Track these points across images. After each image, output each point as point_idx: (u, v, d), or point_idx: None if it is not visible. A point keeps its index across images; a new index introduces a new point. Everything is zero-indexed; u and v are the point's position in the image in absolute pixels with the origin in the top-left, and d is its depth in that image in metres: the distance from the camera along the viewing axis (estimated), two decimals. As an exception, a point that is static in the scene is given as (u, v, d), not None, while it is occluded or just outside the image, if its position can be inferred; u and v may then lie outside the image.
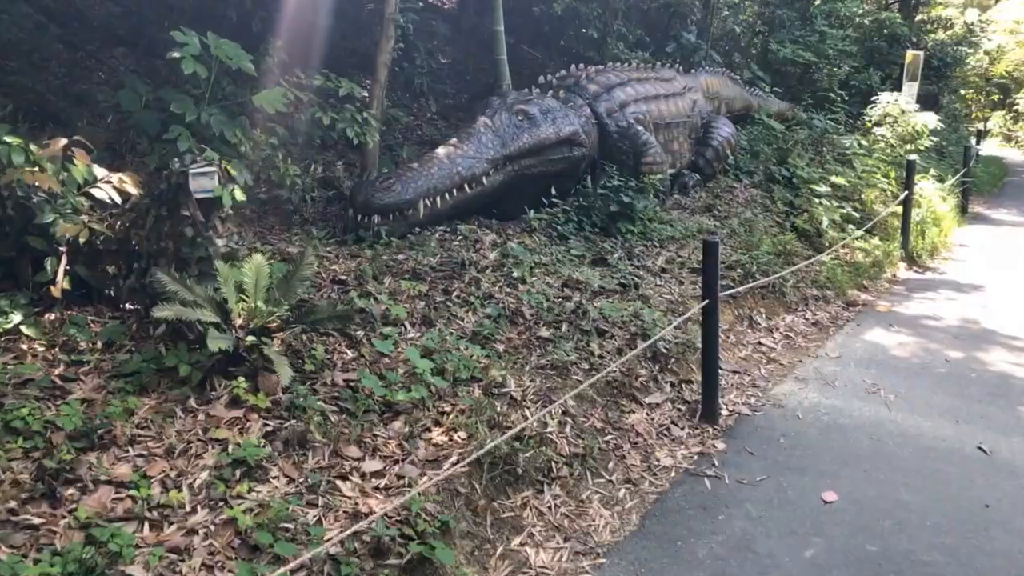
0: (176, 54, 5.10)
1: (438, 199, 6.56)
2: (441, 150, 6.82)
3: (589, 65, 9.42)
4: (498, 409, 4.38)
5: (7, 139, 4.28)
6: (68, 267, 4.49)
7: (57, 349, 4.21)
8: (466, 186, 6.74)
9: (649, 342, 5.37)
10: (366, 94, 6.68)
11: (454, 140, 6.96)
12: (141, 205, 4.47)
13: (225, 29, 10.49)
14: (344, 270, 5.74)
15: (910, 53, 14.51)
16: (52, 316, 4.46)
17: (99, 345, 4.26)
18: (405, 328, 5.06)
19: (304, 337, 4.49)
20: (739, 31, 16.28)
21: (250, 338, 4.07)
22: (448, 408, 4.30)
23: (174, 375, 4.05)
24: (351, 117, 6.51)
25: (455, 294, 5.60)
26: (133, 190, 4.57)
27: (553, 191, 7.56)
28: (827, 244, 8.95)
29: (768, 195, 9.85)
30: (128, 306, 4.57)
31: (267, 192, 6.90)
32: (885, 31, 16.04)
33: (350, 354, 4.62)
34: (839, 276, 8.24)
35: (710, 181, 9.78)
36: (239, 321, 4.20)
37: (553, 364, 5.01)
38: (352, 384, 4.31)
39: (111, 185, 4.56)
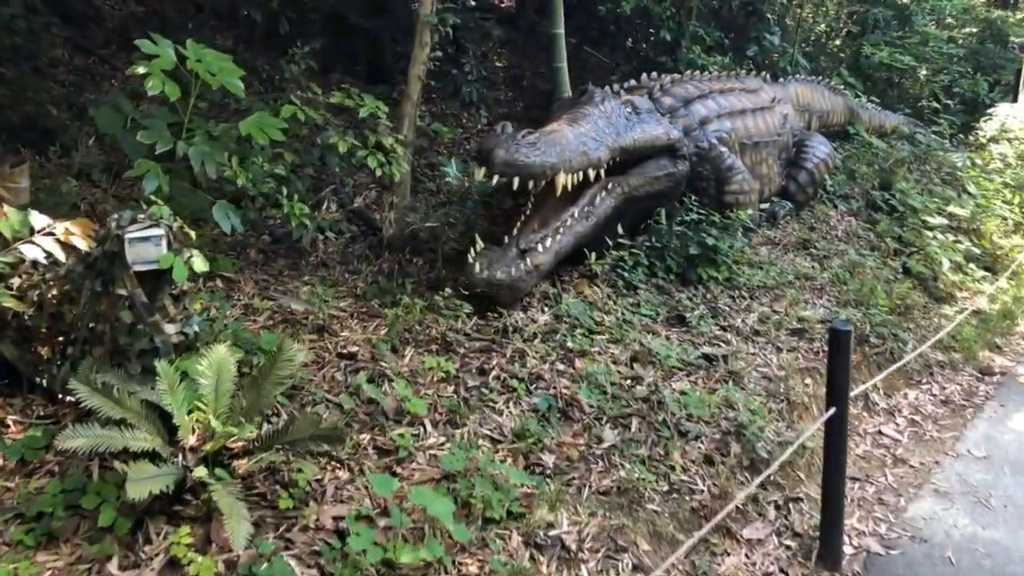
0: (141, 69, 3.98)
1: (576, 177, 5.32)
2: (557, 125, 5.56)
3: (663, 73, 8.10)
4: (545, 570, 3.15)
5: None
6: (-9, 347, 3.42)
7: (-46, 469, 3.13)
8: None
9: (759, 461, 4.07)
10: (385, 116, 5.49)
11: (564, 118, 5.71)
12: (75, 273, 3.36)
13: (250, 33, 9.55)
14: (357, 337, 4.57)
15: (1029, 58, 12.77)
16: (-38, 415, 3.39)
17: (9, 465, 3.17)
18: (424, 429, 3.87)
19: (282, 456, 3.31)
20: (827, 31, 14.72)
21: (200, 470, 2.91)
22: (475, 570, 3.08)
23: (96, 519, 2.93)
24: (375, 143, 5.33)
25: (493, 374, 4.38)
26: (82, 244, 3.45)
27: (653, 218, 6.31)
28: (946, 290, 7.47)
29: (870, 226, 8.39)
30: (65, 399, 3.48)
31: (275, 229, 5.79)
32: (994, 32, 14.27)
33: (344, 476, 3.44)
34: (966, 333, 6.78)
35: (802, 209, 8.36)
36: (191, 441, 3.05)
37: (620, 486, 3.75)
38: (342, 530, 3.12)
39: (53, 238, 3.46)
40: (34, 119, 6.51)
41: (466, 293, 5.03)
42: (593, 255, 5.86)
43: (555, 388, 4.33)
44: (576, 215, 5.54)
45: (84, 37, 8.51)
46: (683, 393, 4.56)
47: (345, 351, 4.40)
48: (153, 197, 3.43)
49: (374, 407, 3.92)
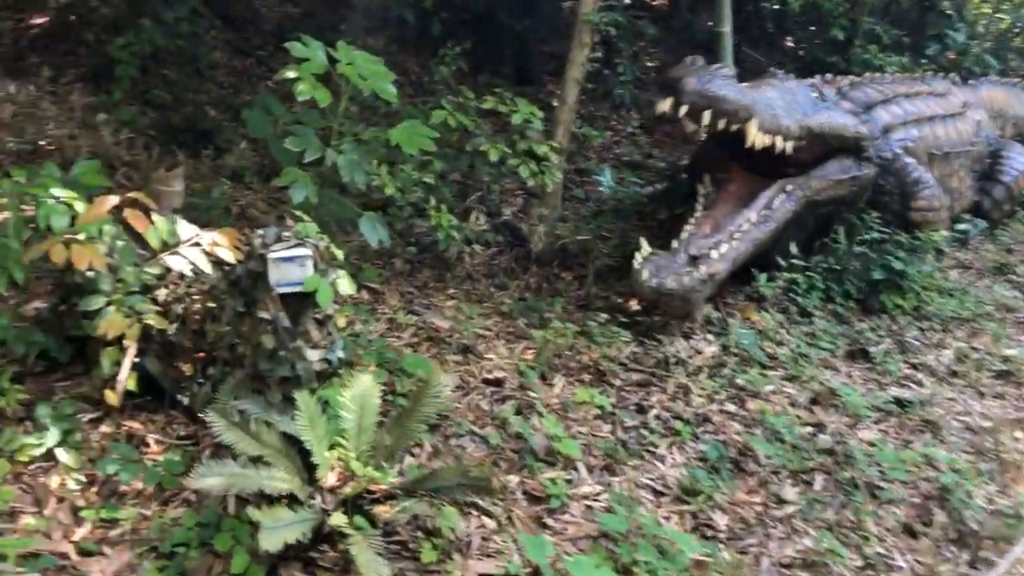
0: (291, 73, 3.77)
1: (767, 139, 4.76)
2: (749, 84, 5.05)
3: (836, 75, 7.36)
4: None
5: (53, 193, 3.11)
6: (137, 359, 3.28)
7: (93, 490, 2.99)
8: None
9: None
10: (539, 119, 5.11)
11: (745, 86, 5.10)
12: (218, 289, 3.16)
13: (401, 33, 9.45)
14: (503, 361, 4.23)
15: None
16: (104, 430, 3.27)
17: (147, 490, 3.00)
18: (577, 473, 3.47)
19: (426, 505, 2.99)
20: (1011, 26, 13.27)
21: (338, 517, 2.63)
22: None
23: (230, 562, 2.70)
24: (527, 151, 4.98)
25: (653, 413, 3.93)
26: (228, 256, 3.27)
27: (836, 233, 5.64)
28: None
29: (1078, 248, 7.33)
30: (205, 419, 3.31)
31: (421, 239, 5.55)
32: None
33: (491, 525, 3.09)
34: None
35: (996, 228, 7.41)
36: (330, 481, 2.78)
37: (805, 558, 3.22)
38: (489, 592, 2.77)
39: (199, 249, 3.30)
40: (192, 120, 6.58)
41: (621, 318, 4.60)
42: (763, 276, 5.28)
43: (724, 433, 3.84)
44: (753, 219, 4.97)
45: (242, 39, 8.64)
46: (872, 445, 3.96)
47: (491, 376, 4.07)
48: (300, 212, 3.20)
49: (522, 444, 3.56)
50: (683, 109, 4.41)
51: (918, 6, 11.64)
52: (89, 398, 3.43)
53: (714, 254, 4.70)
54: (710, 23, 12.43)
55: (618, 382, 4.15)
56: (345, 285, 3.01)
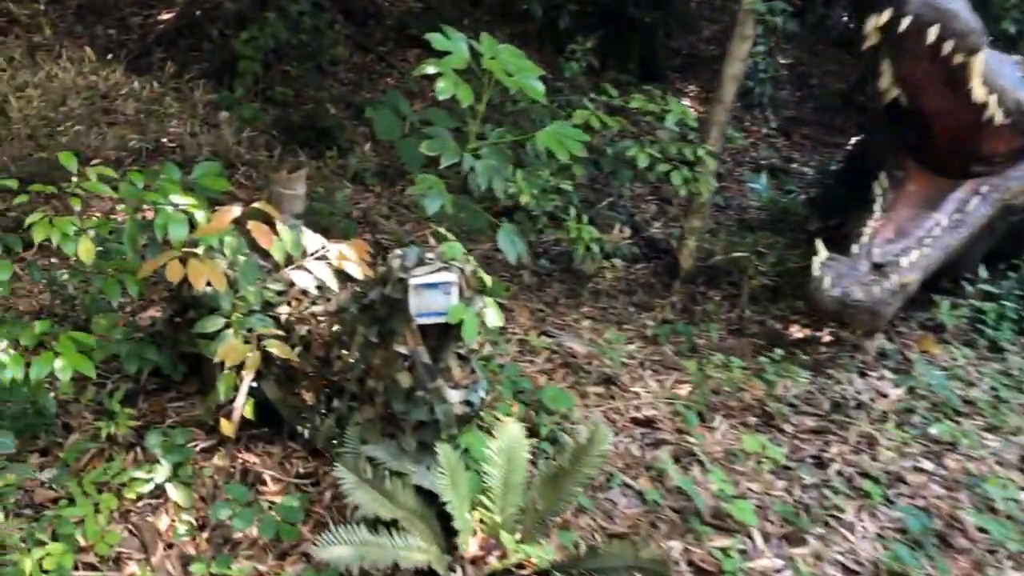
0: (430, 68, 3.36)
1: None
2: None
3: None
4: None
5: (172, 200, 2.80)
6: (254, 383, 2.94)
7: (204, 535, 2.66)
8: None
9: None
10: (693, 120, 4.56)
11: None
12: (347, 313, 2.78)
13: (526, 28, 9.02)
14: (652, 396, 3.73)
15: None
16: (217, 463, 2.94)
17: (262, 540, 2.64)
18: (751, 542, 2.92)
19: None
20: None
21: (482, 598, 2.19)
22: None
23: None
24: (677, 155, 4.45)
25: (834, 467, 3.34)
26: (356, 271, 2.89)
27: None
28: None
29: None
30: (326, 455, 2.94)
31: (550, 249, 5.10)
32: None
33: (659, 608, 2.59)
34: None
35: None
36: (471, 549, 2.34)
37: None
38: None
39: (325, 263, 2.93)
40: (313, 118, 6.34)
41: (780, 350, 4.02)
42: (945, 302, 4.58)
43: (923, 497, 3.22)
44: (944, 223, 4.30)
45: (363, 34, 8.38)
46: (1105, 520, 3.25)
47: (640, 415, 3.57)
48: (443, 230, 2.79)
49: (684, 502, 3.05)
50: (905, 22, 3.70)
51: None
52: (202, 424, 3.13)
53: (904, 262, 4.06)
54: (845, 17, 11.56)
55: (790, 428, 3.58)
56: (493, 316, 2.57)
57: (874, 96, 7.61)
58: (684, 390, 3.76)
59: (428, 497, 2.42)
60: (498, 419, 2.66)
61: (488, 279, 2.60)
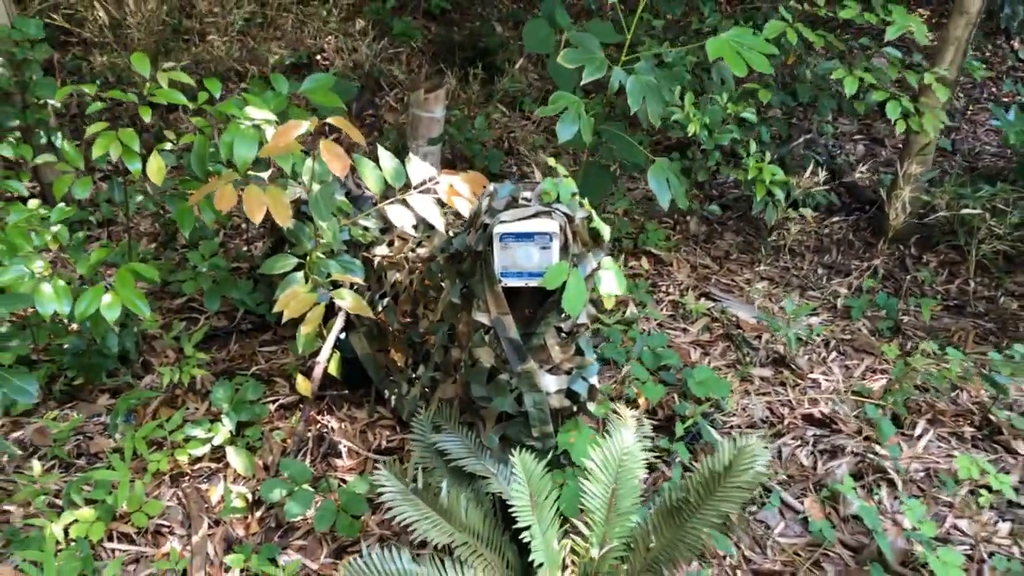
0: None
1: None
2: None
3: None
4: None
5: (249, 114, 2.35)
6: (342, 336, 2.50)
7: (257, 515, 2.26)
8: None
9: None
10: (926, 36, 3.53)
11: None
12: (436, 264, 2.23)
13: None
14: (834, 385, 2.93)
15: None
16: (292, 427, 2.54)
17: (318, 530, 2.20)
18: (958, 609, 2.14)
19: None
20: None
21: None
22: None
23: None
24: (897, 80, 3.49)
25: (1088, 511, 2.44)
26: (466, 209, 2.34)
27: None
28: None
29: None
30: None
31: (727, 192, 4.30)
32: None
33: None
34: None
35: None
36: (557, 584, 1.77)
37: None
38: None
39: (432, 197, 2.39)
40: (476, 36, 5.80)
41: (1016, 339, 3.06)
42: None
43: None
44: None
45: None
46: None
47: (817, 412, 2.80)
48: (556, 163, 2.15)
49: (863, 538, 2.30)
50: None
51: None
52: (291, 375, 2.74)
53: None
54: None
55: (1019, 445, 2.68)
56: (611, 281, 1.91)
57: None
58: (879, 383, 2.94)
59: (503, 507, 1.86)
60: (616, 413, 2.03)
61: (606, 230, 1.94)
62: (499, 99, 5.21)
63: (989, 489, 2.48)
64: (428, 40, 5.62)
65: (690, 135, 3.42)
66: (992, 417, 2.77)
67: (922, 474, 2.56)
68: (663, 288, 3.57)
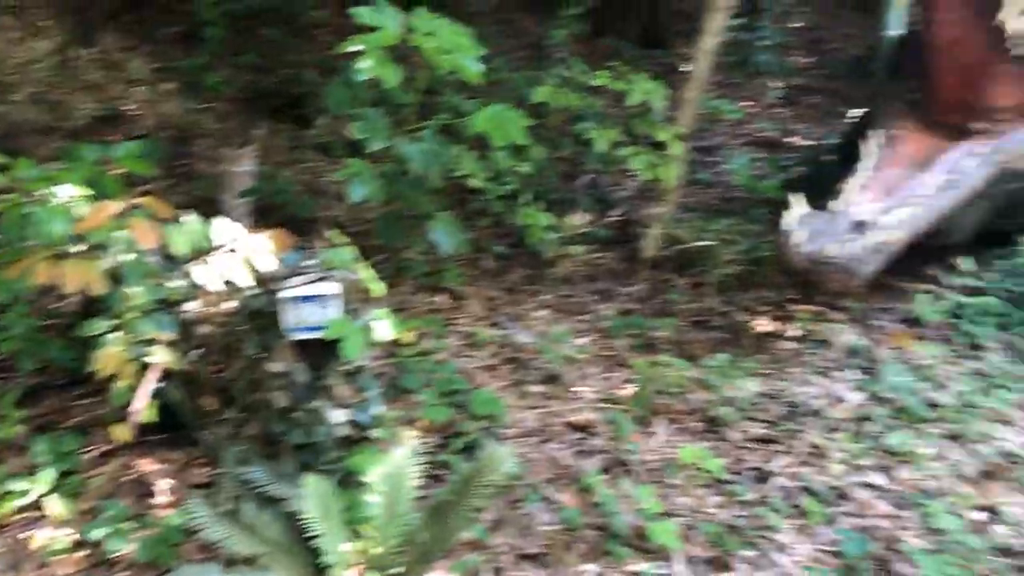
0: (354, 46, 3.14)
1: None
2: None
3: None
4: None
5: (58, 191, 2.62)
6: (161, 384, 2.79)
7: (82, 554, 2.53)
8: None
9: None
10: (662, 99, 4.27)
11: None
12: (238, 319, 2.61)
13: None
14: (595, 395, 3.54)
15: None
16: (110, 470, 2.81)
17: (141, 560, 2.50)
18: (671, 568, 2.75)
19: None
20: None
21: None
22: None
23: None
24: (645, 137, 4.20)
25: (777, 482, 3.15)
26: (271, 265, 2.70)
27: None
28: None
29: None
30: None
31: (516, 231, 4.88)
32: None
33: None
34: None
35: None
36: (347, 582, 2.19)
37: None
38: None
39: (239, 256, 2.74)
40: (287, 85, 6.12)
41: (740, 346, 3.80)
42: (924, 296, 4.34)
43: (867, 517, 3.02)
44: (936, 183, 4.04)
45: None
46: (1066, 543, 3.04)
47: (579, 419, 3.38)
48: (332, 233, 2.58)
49: (607, 520, 2.87)
50: None
51: None
52: (106, 423, 2.99)
53: (886, 220, 3.83)
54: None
55: (736, 435, 3.38)
56: (385, 329, 2.38)
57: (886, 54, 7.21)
58: (629, 391, 3.57)
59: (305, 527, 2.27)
60: (400, 435, 2.49)
61: (380, 287, 2.40)
62: (311, 145, 5.56)
63: (706, 472, 3.13)
64: (239, 88, 5.89)
65: (473, 187, 3.97)
66: (713, 413, 3.46)
67: (658, 463, 3.19)
68: (458, 320, 4.08)
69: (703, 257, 4.63)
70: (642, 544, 2.80)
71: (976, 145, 4.24)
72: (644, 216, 4.66)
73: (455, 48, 3.30)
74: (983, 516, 3.14)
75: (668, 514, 2.91)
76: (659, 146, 4.33)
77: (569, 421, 3.36)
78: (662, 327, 4.12)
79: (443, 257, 4.55)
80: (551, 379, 3.64)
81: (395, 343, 3.65)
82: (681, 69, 5.98)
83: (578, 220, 4.41)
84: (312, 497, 2.14)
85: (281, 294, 2.19)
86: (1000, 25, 3.97)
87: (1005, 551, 2.97)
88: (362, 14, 3.21)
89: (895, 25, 6.35)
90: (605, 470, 3.10)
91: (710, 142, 6.97)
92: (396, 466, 2.30)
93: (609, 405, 3.46)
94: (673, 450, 3.24)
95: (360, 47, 3.16)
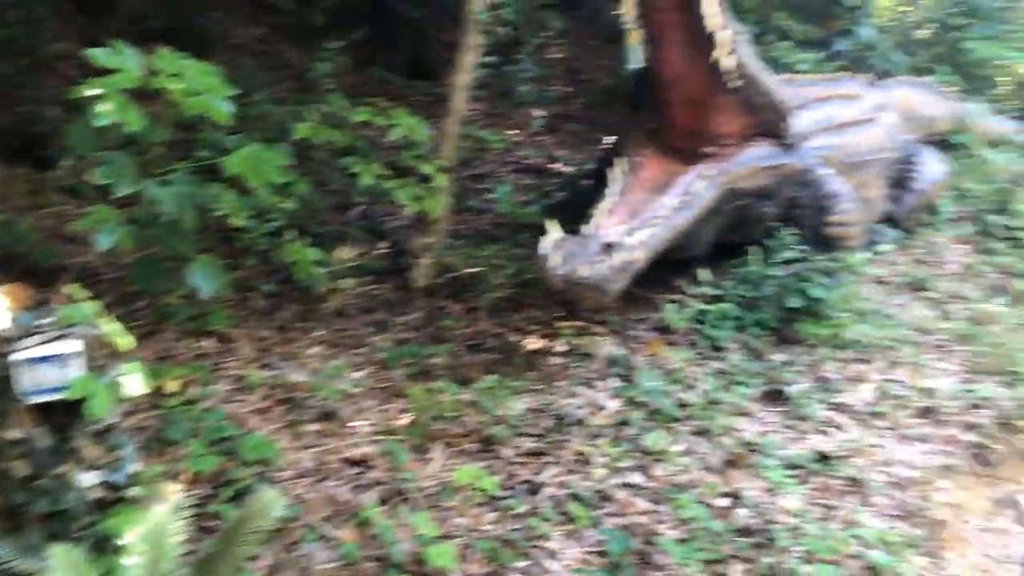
0: (92, 90, 3.00)
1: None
2: None
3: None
4: None
5: None
6: None
7: None
8: None
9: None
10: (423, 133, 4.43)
11: None
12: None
13: (280, 23, 8.58)
14: (372, 428, 3.58)
15: None
16: None
17: None
18: (451, 586, 2.86)
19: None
20: (921, 23, 13.28)
21: None
22: None
23: None
24: (410, 170, 4.32)
25: (547, 492, 3.35)
26: (5, 322, 2.49)
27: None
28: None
29: (988, 258, 7.07)
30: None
31: (284, 268, 4.82)
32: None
33: None
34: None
35: (908, 236, 7.10)
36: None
37: None
38: None
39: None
40: (24, 123, 5.65)
41: (511, 366, 4.01)
42: (671, 305, 4.79)
43: (629, 515, 3.29)
44: (672, 204, 4.50)
45: (97, 26, 7.62)
46: (795, 515, 3.48)
47: (356, 453, 3.41)
48: (71, 289, 2.46)
49: (385, 551, 2.92)
50: None
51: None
52: None
53: (630, 240, 4.19)
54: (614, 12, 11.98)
55: (509, 452, 3.56)
56: (136, 384, 2.30)
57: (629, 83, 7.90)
58: (406, 421, 3.65)
59: (57, 597, 2.13)
60: (161, 491, 2.40)
61: (127, 341, 2.32)
62: (56, 188, 5.18)
63: (481, 491, 3.27)
64: (-34, 131, 5.37)
65: (236, 227, 3.89)
66: (487, 432, 3.62)
67: (436, 489, 3.28)
68: (228, 363, 3.96)
69: (475, 282, 4.82)
70: (420, 569, 2.87)
71: (706, 168, 4.77)
72: (415, 246, 4.77)
73: (204, 88, 3.25)
74: (727, 502, 3.52)
75: (445, 536, 3.01)
76: (426, 178, 4.48)
77: (346, 457, 3.38)
78: (438, 353, 4.24)
79: (209, 300, 4.42)
80: (327, 416, 3.64)
81: (158, 393, 3.50)
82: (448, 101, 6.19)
83: (348, 253, 4.45)
84: (61, 568, 2.01)
85: (13, 357, 2.06)
86: (717, 62, 4.50)
87: (745, 531, 3.35)
88: (97, 56, 3.08)
89: (635, 59, 6.97)
90: (383, 501, 3.15)
91: (480, 170, 7.25)
92: (157, 524, 2.22)
93: (386, 436, 3.51)
94: (450, 473, 3.35)
95: (99, 90, 3.02)
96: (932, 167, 7.25)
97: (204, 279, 3.32)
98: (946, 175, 7.32)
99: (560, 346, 4.48)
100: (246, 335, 4.20)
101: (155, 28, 7.45)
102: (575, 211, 5.73)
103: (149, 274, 3.66)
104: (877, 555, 3.34)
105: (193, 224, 3.27)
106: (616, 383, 4.18)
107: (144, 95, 3.39)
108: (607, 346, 4.50)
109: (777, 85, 5.30)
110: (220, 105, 3.20)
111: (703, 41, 4.37)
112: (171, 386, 3.46)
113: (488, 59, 8.42)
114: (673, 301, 5.01)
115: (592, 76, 10.48)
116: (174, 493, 2.41)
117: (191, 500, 2.52)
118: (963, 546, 3.93)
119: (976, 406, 4.66)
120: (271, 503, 2.35)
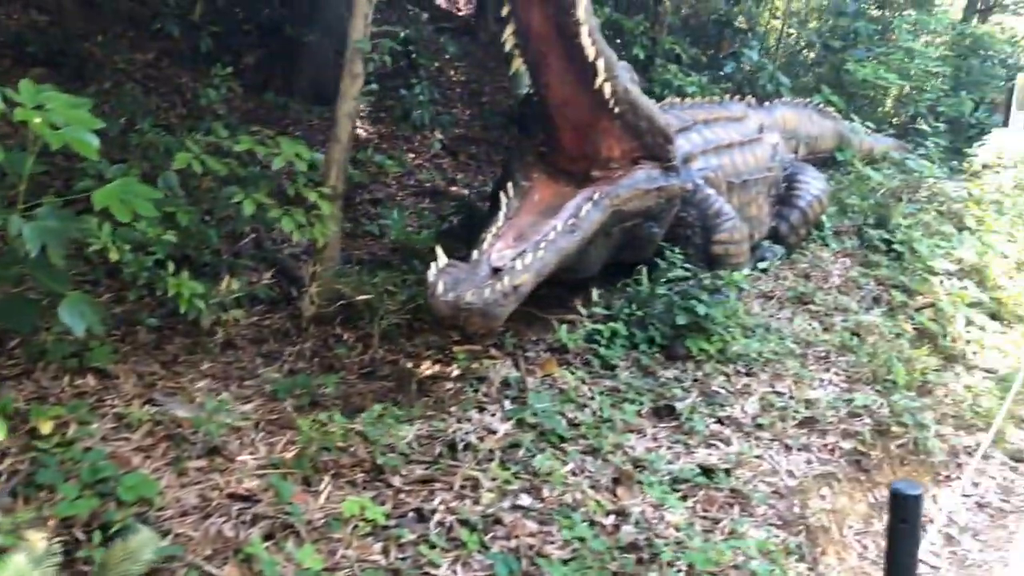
0: (-55, 124, 2.89)
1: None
2: None
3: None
4: None
5: None
6: None
7: None
8: None
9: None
10: (307, 161, 4.41)
11: None
12: None
13: (170, 48, 8.40)
14: (259, 462, 3.53)
15: (1023, 76, 12.05)
16: None
17: None
18: (338, 620, 2.84)
19: None
20: (805, 45, 13.98)
21: None
22: None
23: None
24: (296, 197, 4.30)
25: (436, 519, 3.36)
26: None
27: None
28: (957, 349, 6.60)
29: (868, 270, 7.48)
30: None
31: (169, 302, 4.72)
32: (980, 49, 13.56)
33: None
34: (986, 403, 5.90)
35: (792, 252, 7.45)
36: None
37: None
38: None
39: None
40: None
41: (404, 392, 4.01)
42: (563, 326, 4.89)
43: (517, 538, 3.33)
44: (559, 228, 4.55)
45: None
46: (679, 529, 3.59)
47: (241, 488, 3.35)
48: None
49: (267, 595, 2.88)
50: None
51: (716, 23, 11.95)
52: None
53: (518, 264, 4.25)
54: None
55: (398, 480, 3.55)
56: (-12, 431, 2.21)
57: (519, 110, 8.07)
58: (293, 453, 3.60)
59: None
60: (25, 540, 2.31)
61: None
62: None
63: (368, 521, 3.25)
64: None
65: (113, 261, 3.79)
66: (377, 461, 3.61)
67: (323, 520, 3.25)
68: (109, 401, 3.83)
69: (368, 309, 4.80)
70: (303, 604, 2.84)
71: (593, 191, 4.89)
72: (304, 274, 4.74)
73: (70, 121, 3.16)
74: (614, 520, 3.60)
75: (331, 569, 2.99)
76: (314, 205, 4.46)
77: (231, 492, 3.31)
78: (328, 383, 4.21)
79: (88, 336, 4.27)
80: (212, 451, 3.56)
81: (31, 435, 3.37)
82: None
83: (235, 284, 4.38)
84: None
85: None
86: (600, 88, 4.64)
87: (631, 548, 3.44)
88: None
89: (523, 84, 7.13)
90: (268, 536, 3.10)
91: (378, 194, 7.26)
92: (17, 574, 2.14)
93: (273, 470, 3.46)
94: (337, 505, 3.32)
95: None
96: (814, 186, 7.61)
97: (74, 317, 3.21)
98: (826, 192, 7.69)
99: (455, 371, 4.52)
100: (129, 371, 4.07)
101: (35, 54, 7.23)
102: (471, 234, 5.81)
103: (17, 313, 3.52)
104: (757, 564, 3.47)
105: (61, 260, 3.17)
106: (509, 405, 4.23)
107: (11, 125, 3.29)
108: (502, 369, 4.56)
109: (659, 109, 5.49)
110: (86, 138, 3.11)
111: (584, 68, 4.50)
112: (45, 427, 3.33)
113: (386, 84, 8.48)
114: (568, 321, 5.13)
115: (492, 98, 10.62)
116: (39, 540, 2.33)
117: (59, 546, 2.44)
118: (841, 550, 4.13)
119: (854, 415, 4.92)
120: (143, 544, 2.30)
